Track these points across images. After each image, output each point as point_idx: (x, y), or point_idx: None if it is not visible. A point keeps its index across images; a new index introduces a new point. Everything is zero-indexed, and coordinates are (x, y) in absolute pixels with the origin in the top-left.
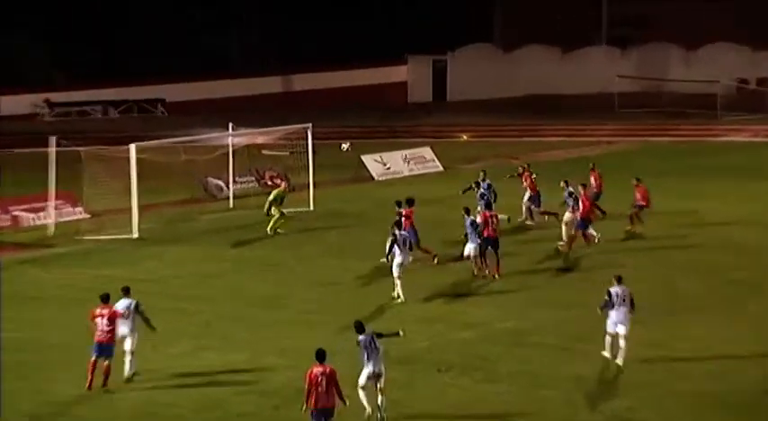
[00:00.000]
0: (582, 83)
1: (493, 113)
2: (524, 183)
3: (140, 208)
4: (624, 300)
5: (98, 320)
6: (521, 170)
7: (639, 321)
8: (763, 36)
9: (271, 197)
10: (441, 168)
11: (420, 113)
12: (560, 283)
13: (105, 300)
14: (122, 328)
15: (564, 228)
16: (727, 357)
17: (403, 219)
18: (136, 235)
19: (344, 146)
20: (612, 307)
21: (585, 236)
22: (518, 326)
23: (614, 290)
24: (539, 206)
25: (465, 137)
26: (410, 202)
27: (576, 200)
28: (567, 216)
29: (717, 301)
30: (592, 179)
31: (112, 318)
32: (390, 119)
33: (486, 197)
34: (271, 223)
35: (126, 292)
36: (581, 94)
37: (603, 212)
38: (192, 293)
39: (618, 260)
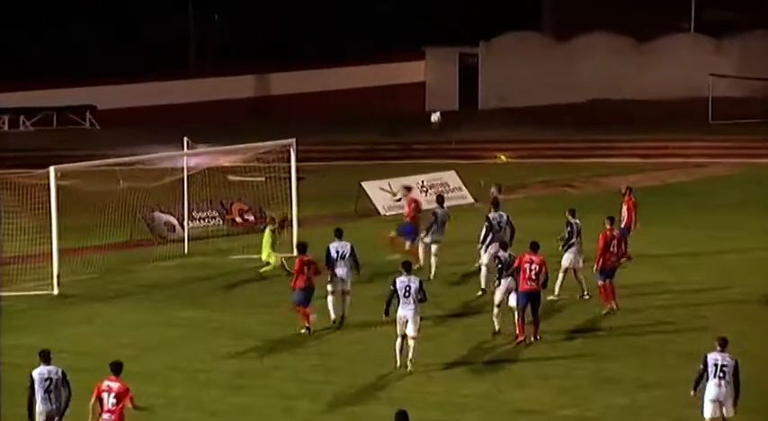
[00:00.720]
0: (662, 84)
1: (541, 126)
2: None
3: (62, 253)
4: (725, 373)
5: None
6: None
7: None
8: None
9: (267, 238)
10: (470, 199)
11: (443, 125)
12: (624, 352)
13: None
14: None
15: (561, 276)
16: None
17: None
18: (56, 290)
19: (435, 117)
20: (708, 379)
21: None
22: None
23: (713, 357)
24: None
25: (503, 157)
26: None
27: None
28: (567, 258)
29: None
30: (624, 209)
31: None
32: (402, 133)
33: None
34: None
35: (45, 358)
36: (661, 100)
37: (628, 257)
38: (133, 370)
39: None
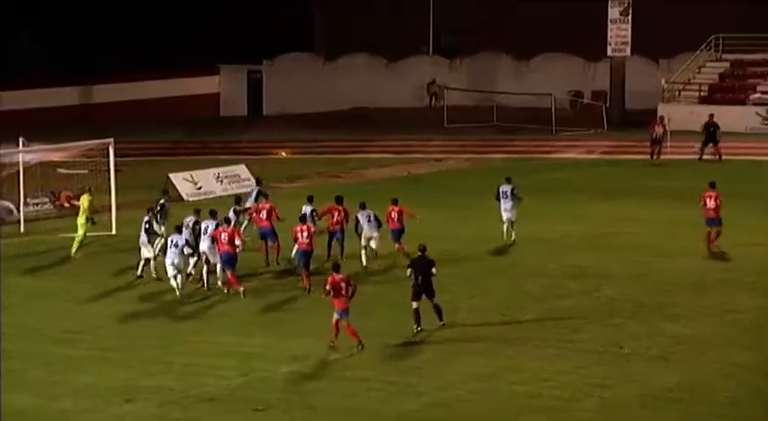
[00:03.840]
0: (409, 95)
1: (314, 128)
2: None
3: None
4: None
5: None
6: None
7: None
8: (595, 48)
9: (86, 204)
10: (256, 188)
11: (234, 128)
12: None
13: None
14: None
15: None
16: None
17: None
18: None
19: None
20: None
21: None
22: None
23: None
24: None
25: (284, 153)
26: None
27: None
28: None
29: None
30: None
31: None
32: (201, 134)
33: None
34: (75, 243)
35: None
36: (408, 108)
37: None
38: None
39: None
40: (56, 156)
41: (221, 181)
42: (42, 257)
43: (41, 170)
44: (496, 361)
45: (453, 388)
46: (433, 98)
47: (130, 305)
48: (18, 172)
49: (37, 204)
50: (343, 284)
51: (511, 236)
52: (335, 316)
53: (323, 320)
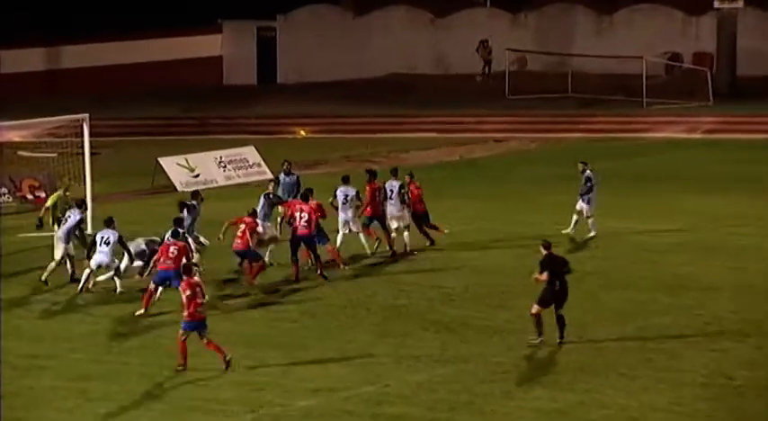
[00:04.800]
0: (459, 59)
1: (341, 100)
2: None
3: None
4: None
5: None
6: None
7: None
8: None
9: (48, 203)
10: (270, 175)
11: (240, 100)
12: (423, 328)
13: None
14: None
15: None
16: None
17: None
18: None
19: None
20: None
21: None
22: (380, 392)
23: None
24: None
25: (303, 132)
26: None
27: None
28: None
29: None
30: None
31: None
32: (199, 108)
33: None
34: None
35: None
36: (459, 75)
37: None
38: None
39: (499, 291)
40: (16, 136)
41: (224, 167)
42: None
43: None
44: (569, 394)
45: None
46: (486, 66)
47: (109, 322)
48: None
49: None
50: (198, 289)
51: (588, 231)
52: (182, 331)
53: (352, 341)
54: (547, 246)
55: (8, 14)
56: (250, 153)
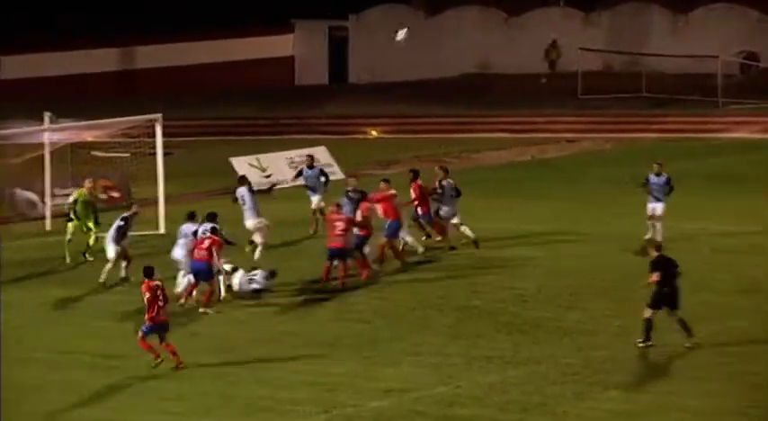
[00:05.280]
0: (532, 58)
1: (412, 100)
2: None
3: None
4: None
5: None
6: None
7: None
8: None
9: (71, 198)
10: (341, 175)
11: (312, 100)
12: (496, 329)
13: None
14: None
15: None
16: None
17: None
18: None
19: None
20: None
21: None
22: (452, 393)
23: None
24: None
25: (375, 132)
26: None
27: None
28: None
29: None
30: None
31: None
32: (271, 108)
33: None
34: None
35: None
36: (531, 74)
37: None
38: (5, 354)
39: (571, 292)
40: (90, 136)
41: (296, 166)
42: (71, 262)
43: (73, 153)
44: (643, 396)
45: None
46: (552, 66)
47: (182, 321)
48: (43, 156)
49: (67, 195)
50: (159, 292)
51: (656, 235)
52: (141, 334)
53: (424, 342)
54: (658, 247)
55: (82, 15)
56: (321, 153)
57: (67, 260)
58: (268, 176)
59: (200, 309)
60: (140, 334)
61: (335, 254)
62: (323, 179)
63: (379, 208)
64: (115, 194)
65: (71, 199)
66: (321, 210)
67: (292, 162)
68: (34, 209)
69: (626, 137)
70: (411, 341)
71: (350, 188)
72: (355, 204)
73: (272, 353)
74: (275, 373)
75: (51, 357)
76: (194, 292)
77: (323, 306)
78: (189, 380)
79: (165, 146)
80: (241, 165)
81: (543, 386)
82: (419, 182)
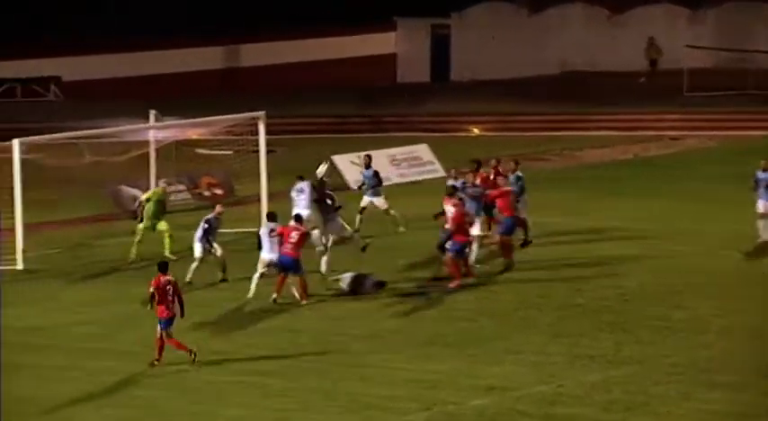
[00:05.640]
0: (636, 56)
1: (515, 98)
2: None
3: (27, 228)
4: None
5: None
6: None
7: None
8: None
9: (144, 195)
10: (442, 173)
11: (414, 98)
12: (599, 327)
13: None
14: None
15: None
16: None
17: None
18: (21, 265)
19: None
20: None
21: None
22: (554, 392)
23: None
24: None
25: (477, 130)
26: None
27: None
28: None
29: None
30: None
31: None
32: (373, 105)
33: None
34: (166, 242)
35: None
36: (635, 72)
37: None
38: (100, 347)
39: (676, 290)
40: (194, 134)
41: (398, 164)
42: (179, 258)
43: (177, 151)
44: (750, 397)
45: None
46: (653, 65)
47: (287, 318)
48: (148, 153)
49: (172, 193)
50: (169, 288)
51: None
52: (159, 327)
53: (528, 340)
54: None
55: (187, 13)
56: (423, 151)
57: (132, 257)
58: None
59: (303, 302)
60: (160, 332)
61: None
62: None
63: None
64: (219, 192)
65: (144, 197)
66: (387, 211)
67: (394, 160)
68: (140, 206)
69: (732, 134)
70: (513, 340)
71: (468, 184)
72: (477, 201)
73: (374, 350)
74: (377, 370)
75: (146, 352)
76: (288, 288)
77: (425, 303)
78: (292, 377)
79: (268, 143)
80: (343, 162)
81: (647, 385)
82: (483, 173)
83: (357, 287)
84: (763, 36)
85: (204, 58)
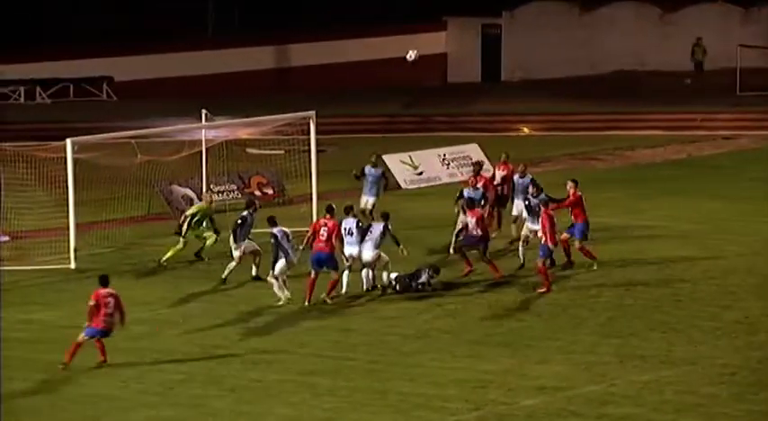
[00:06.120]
0: (688, 55)
1: (565, 97)
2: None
3: (80, 227)
4: None
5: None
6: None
7: None
8: None
9: (189, 211)
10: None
11: (465, 97)
12: (650, 327)
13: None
14: None
15: None
16: None
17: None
18: (73, 264)
19: (411, 55)
20: None
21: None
22: (605, 391)
23: None
24: None
25: (527, 130)
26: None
27: None
28: None
29: None
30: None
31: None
32: (424, 105)
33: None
34: (170, 251)
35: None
36: (689, 72)
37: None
38: (150, 346)
39: (729, 291)
40: (244, 133)
41: (447, 164)
42: (227, 258)
43: (228, 150)
44: None
45: None
46: (699, 67)
47: (337, 318)
48: (200, 152)
49: (222, 192)
50: (110, 300)
51: None
52: (84, 334)
53: (576, 341)
54: None
55: (239, 14)
56: (473, 150)
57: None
58: (420, 174)
59: (324, 298)
60: (83, 339)
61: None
62: (384, 182)
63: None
64: (269, 191)
65: (189, 212)
66: (369, 212)
67: (444, 159)
68: (191, 205)
69: None
70: (563, 339)
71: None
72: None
73: (423, 350)
74: (427, 370)
75: (196, 351)
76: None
77: (475, 303)
78: (341, 376)
79: (318, 143)
80: (393, 162)
81: (698, 386)
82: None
83: (411, 281)
84: None
85: (255, 58)
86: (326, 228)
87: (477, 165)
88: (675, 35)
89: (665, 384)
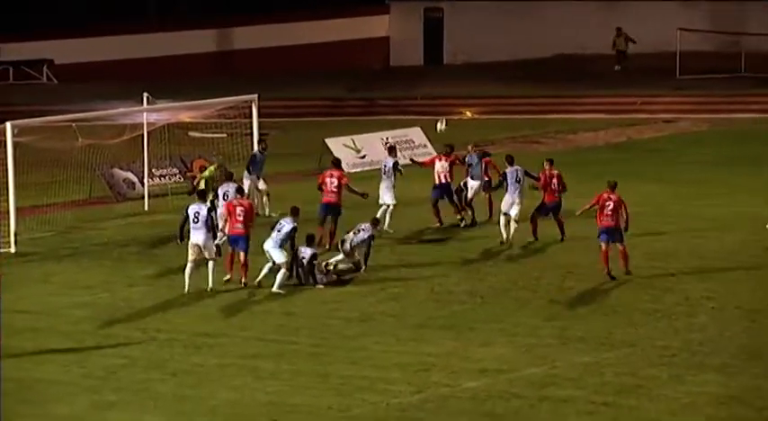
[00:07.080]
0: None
1: (507, 81)
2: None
3: (20, 211)
4: None
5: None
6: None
7: None
8: None
9: (205, 173)
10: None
11: (408, 81)
12: (591, 310)
13: None
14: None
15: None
16: None
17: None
18: (13, 248)
19: (440, 126)
20: None
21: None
22: (546, 373)
23: None
24: None
25: (469, 113)
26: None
27: None
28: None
29: None
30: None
31: None
32: (366, 88)
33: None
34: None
35: None
36: (629, 55)
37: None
38: (90, 329)
39: (668, 273)
40: (187, 117)
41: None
42: (169, 242)
43: (170, 134)
44: (742, 379)
45: (685, 413)
46: (621, 57)
47: (279, 301)
48: (142, 136)
49: (164, 176)
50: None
51: None
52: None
53: (518, 324)
54: None
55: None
56: (416, 134)
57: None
58: (363, 157)
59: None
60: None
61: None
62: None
63: None
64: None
65: (206, 175)
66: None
67: (386, 142)
68: (132, 189)
69: (725, 117)
70: (506, 322)
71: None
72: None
73: (367, 333)
74: (370, 353)
75: (138, 335)
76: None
77: (418, 287)
78: (284, 359)
79: (261, 126)
80: (336, 145)
81: (639, 368)
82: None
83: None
84: (756, 18)
85: (198, 41)
86: (243, 209)
87: (449, 147)
88: (616, 19)
89: (605, 366)
